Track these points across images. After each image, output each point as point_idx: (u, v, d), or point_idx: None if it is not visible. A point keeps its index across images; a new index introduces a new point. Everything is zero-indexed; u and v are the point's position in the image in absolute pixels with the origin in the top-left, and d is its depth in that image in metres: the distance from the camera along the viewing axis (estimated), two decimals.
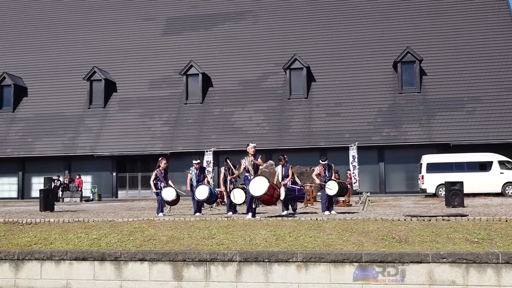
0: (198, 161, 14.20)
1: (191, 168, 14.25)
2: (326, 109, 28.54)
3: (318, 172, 13.49)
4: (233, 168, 13.55)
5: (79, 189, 27.19)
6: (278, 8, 33.72)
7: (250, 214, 11.84)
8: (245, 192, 12.11)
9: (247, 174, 12.20)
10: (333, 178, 13.35)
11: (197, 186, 13.55)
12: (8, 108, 31.61)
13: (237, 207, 13.76)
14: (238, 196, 12.42)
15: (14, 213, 15.40)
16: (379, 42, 30.37)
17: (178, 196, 13.29)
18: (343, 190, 13.63)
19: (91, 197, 27.94)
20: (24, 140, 30.19)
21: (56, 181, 27.48)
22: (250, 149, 12.31)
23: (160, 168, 13.37)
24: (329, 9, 33.00)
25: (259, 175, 12.00)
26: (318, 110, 28.63)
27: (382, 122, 27.52)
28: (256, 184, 11.43)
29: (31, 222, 11.80)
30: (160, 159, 13.74)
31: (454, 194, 15.19)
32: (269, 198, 11.62)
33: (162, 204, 13.43)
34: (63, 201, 26.28)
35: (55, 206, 16.74)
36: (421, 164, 24.15)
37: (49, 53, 34.05)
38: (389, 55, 29.37)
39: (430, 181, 23.42)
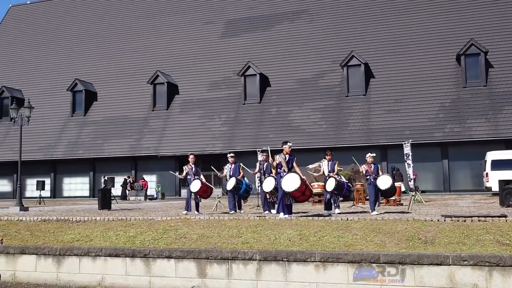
0: (232, 154, 14.38)
1: (227, 164, 14.43)
2: (386, 106, 27.90)
3: (366, 169, 13.04)
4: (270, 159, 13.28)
5: (144, 188, 28.44)
6: (334, 5, 33.36)
7: (281, 213, 11.91)
8: (277, 187, 12.19)
9: (280, 171, 12.27)
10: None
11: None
12: (80, 112, 33.62)
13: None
14: (267, 183, 12.42)
15: (74, 211, 16.45)
16: (441, 35, 29.23)
17: (207, 187, 13.62)
18: (392, 190, 13.25)
19: (155, 195, 29.13)
20: (95, 142, 31.98)
21: (127, 180, 28.96)
22: (287, 148, 12.35)
23: (190, 163, 13.82)
24: (386, 2, 32.18)
25: (293, 172, 12.00)
26: (377, 107, 28.05)
27: (444, 118, 26.50)
28: (288, 180, 11.53)
29: (79, 220, 12.59)
30: (188, 154, 14.25)
31: (508, 193, 14.42)
32: (300, 194, 11.64)
33: (194, 200, 13.83)
34: (128, 199, 27.66)
35: (112, 205, 17.69)
36: (486, 161, 23.03)
37: (116, 60, 35.84)
38: (451, 48, 28.21)
39: (495, 179, 22.22)
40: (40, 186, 24.04)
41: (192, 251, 9.41)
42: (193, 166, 13.95)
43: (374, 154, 13.47)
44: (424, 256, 8.10)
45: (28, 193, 31.65)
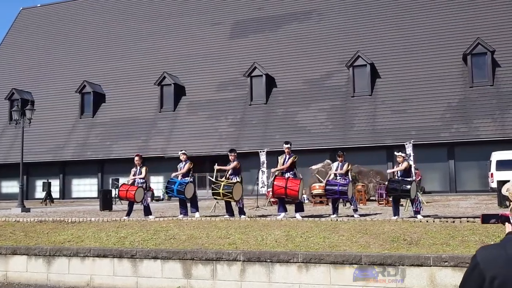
0: (183, 151, 13.36)
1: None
2: (392, 106, 27.73)
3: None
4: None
5: (150, 190, 28.62)
6: (340, 6, 33.24)
7: (282, 213, 12.23)
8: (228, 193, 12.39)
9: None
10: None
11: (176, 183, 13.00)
12: (89, 114, 33.96)
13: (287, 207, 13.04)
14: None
15: (74, 212, 16.66)
16: (447, 34, 28.95)
17: (135, 190, 13.04)
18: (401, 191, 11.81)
19: (161, 196, 29.30)
20: (103, 144, 32.28)
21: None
22: (286, 149, 12.67)
23: (136, 165, 13.56)
24: (392, 2, 31.98)
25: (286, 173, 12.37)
26: (383, 107, 27.89)
27: (451, 118, 26.26)
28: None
29: (74, 221, 12.74)
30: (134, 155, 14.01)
31: None
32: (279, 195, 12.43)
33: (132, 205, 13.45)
34: None
35: (113, 206, 17.88)
36: (491, 161, 22.78)
37: (123, 62, 36.11)
38: (457, 47, 27.91)
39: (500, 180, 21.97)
40: (46, 187, 24.36)
41: (178, 252, 9.47)
42: (138, 167, 13.45)
43: (401, 153, 12.37)
44: (405, 257, 8.05)
45: (37, 195, 32.04)
